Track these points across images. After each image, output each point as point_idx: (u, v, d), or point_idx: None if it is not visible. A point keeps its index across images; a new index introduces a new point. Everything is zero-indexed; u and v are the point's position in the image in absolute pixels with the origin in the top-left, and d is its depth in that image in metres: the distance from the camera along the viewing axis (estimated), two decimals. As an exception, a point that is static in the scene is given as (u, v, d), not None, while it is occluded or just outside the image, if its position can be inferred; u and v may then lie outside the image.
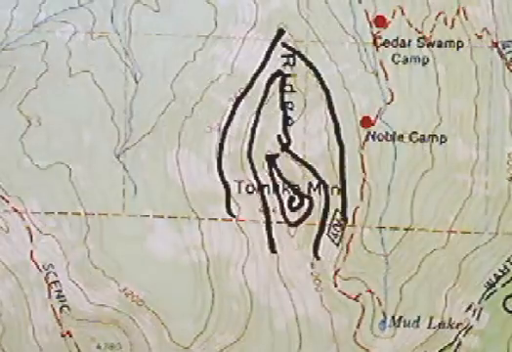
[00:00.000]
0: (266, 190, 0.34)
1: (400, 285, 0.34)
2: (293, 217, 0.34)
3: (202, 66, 0.33)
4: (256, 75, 0.33)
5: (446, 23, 0.33)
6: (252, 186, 0.34)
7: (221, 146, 0.34)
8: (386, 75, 0.33)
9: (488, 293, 0.34)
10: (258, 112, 0.34)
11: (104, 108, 0.33)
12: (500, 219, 0.34)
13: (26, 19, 0.33)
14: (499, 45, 0.33)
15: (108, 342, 0.35)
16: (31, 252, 0.34)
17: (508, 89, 0.33)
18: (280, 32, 0.33)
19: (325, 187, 0.34)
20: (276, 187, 0.34)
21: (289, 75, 0.34)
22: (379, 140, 0.34)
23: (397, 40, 0.33)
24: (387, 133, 0.34)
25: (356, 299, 0.35)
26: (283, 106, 0.34)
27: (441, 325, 0.35)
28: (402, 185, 0.34)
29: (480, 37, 0.33)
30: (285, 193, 0.34)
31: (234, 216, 0.34)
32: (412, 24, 0.33)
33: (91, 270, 0.34)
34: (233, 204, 0.34)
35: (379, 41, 0.33)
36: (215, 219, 0.34)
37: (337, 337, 0.35)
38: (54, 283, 0.35)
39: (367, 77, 0.34)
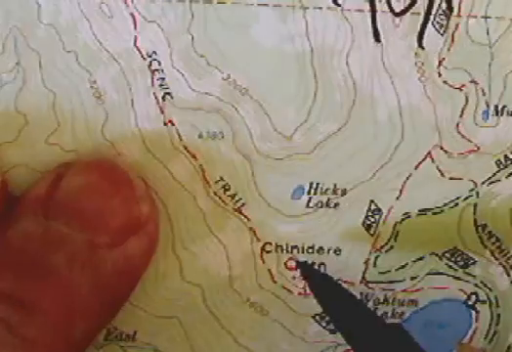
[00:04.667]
0: (372, -22, 0.34)
1: (504, 75, 0.34)
2: (398, 6, 0.34)
3: None
4: None
5: None
6: (358, -25, 0.34)
7: None
8: None
9: None
10: None
11: None
12: None
13: None
14: None
15: (211, 131, 0.35)
16: (135, 39, 0.34)
17: None
18: None
19: (432, -24, 0.34)
20: (382, -25, 0.34)
21: None
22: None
23: None
24: None
25: (459, 89, 0.35)
26: None
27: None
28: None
29: None
30: (391, -19, 0.34)
31: (339, 5, 0.34)
32: None
33: (194, 58, 0.34)
34: (338, -7, 0.34)
35: None
36: (320, 8, 0.34)
37: (439, 127, 0.35)
38: (157, 70, 0.34)
39: None
